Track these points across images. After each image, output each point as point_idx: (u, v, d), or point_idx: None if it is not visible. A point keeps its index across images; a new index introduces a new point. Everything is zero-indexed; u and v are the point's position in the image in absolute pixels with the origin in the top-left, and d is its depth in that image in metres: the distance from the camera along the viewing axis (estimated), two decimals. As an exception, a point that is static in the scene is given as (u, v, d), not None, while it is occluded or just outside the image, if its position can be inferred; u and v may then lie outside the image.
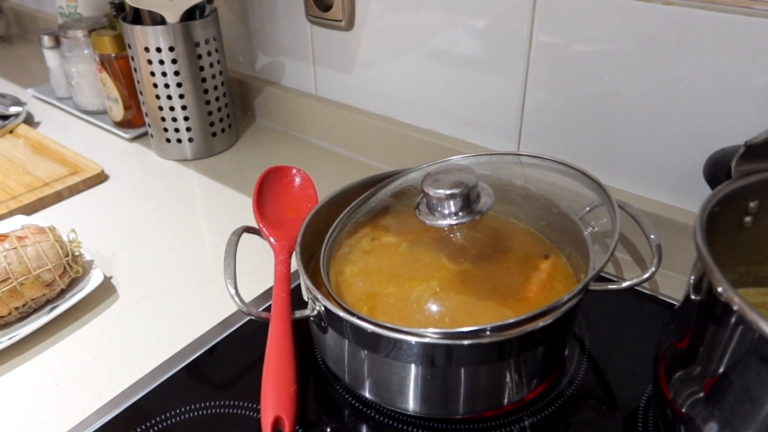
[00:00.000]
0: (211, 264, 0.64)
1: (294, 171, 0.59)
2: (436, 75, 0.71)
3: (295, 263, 0.47)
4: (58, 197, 0.76)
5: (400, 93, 0.76)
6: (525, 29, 0.61)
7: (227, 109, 0.85)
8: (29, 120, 0.98)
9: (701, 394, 0.35)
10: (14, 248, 0.55)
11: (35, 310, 0.57)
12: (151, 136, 0.86)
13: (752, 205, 0.41)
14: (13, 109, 0.96)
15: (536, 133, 0.66)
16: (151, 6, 0.75)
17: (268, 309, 0.47)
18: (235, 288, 0.46)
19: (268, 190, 0.57)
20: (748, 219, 0.42)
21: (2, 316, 0.54)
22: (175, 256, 0.65)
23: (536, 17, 0.60)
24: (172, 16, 0.75)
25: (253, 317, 0.45)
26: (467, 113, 0.71)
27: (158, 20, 0.76)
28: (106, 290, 0.60)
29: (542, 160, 0.52)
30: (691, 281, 0.38)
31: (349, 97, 0.83)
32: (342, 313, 0.41)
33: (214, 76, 0.81)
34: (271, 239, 0.53)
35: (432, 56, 0.71)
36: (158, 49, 0.76)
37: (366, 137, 0.81)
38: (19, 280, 0.54)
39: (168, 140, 0.83)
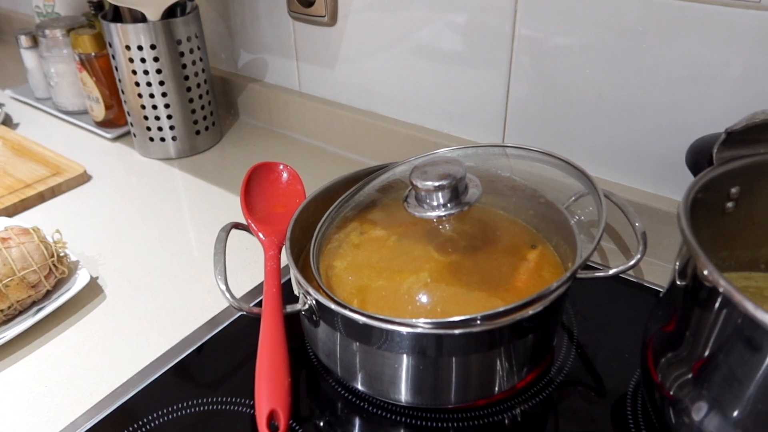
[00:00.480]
0: (197, 262, 0.64)
1: (281, 167, 0.59)
2: (420, 70, 0.72)
3: (284, 258, 0.47)
4: (40, 198, 0.75)
5: (385, 88, 0.77)
6: (507, 23, 0.62)
7: (210, 107, 0.85)
8: (8, 122, 0.96)
9: (689, 376, 0.36)
10: (-2, 250, 0.54)
11: (21, 312, 0.56)
12: (134, 135, 0.85)
13: (734, 190, 0.42)
14: (-9, 111, 0.94)
15: (521, 125, 0.66)
16: (131, 4, 0.74)
17: (258, 304, 0.47)
18: (226, 284, 0.45)
19: (256, 187, 0.57)
20: (729, 204, 0.43)
21: (-13, 319, 0.54)
22: (161, 256, 0.65)
23: (518, 11, 0.60)
24: (153, 14, 0.75)
25: (245, 312, 0.45)
26: (452, 107, 0.71)
27: (139, 18, 0.75)
28: (93, 291, 0.60)
29: (528, 151, 0.52)
30: (677, 267, 0.39)
31: (333, 93, 0.83)
32: (334, 306, 0.41)
33: (196, 74, 0.81)
34: (260, 235, 0.53)
35: (416, 51, 0.71)
36: (140, 47, 0.76)
37: (351, 133, 0.81)
38: (3, 282, 0.53)
39: (151, 139, 0.83)
